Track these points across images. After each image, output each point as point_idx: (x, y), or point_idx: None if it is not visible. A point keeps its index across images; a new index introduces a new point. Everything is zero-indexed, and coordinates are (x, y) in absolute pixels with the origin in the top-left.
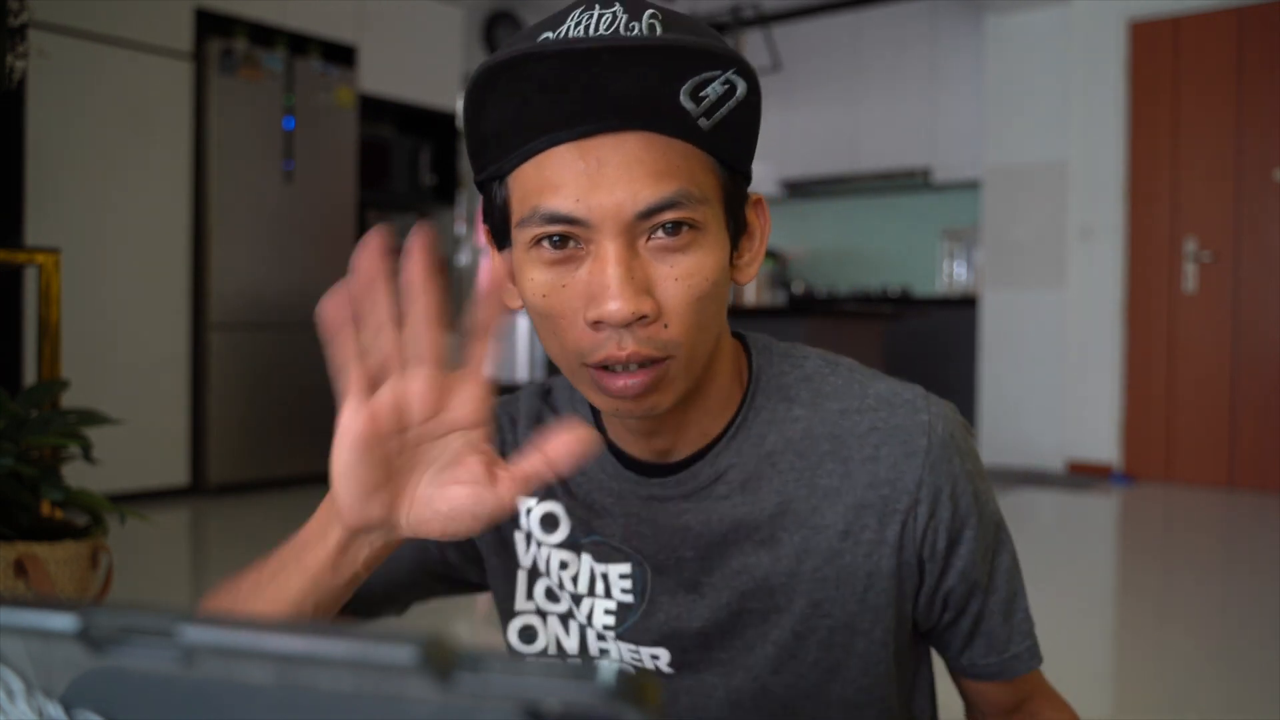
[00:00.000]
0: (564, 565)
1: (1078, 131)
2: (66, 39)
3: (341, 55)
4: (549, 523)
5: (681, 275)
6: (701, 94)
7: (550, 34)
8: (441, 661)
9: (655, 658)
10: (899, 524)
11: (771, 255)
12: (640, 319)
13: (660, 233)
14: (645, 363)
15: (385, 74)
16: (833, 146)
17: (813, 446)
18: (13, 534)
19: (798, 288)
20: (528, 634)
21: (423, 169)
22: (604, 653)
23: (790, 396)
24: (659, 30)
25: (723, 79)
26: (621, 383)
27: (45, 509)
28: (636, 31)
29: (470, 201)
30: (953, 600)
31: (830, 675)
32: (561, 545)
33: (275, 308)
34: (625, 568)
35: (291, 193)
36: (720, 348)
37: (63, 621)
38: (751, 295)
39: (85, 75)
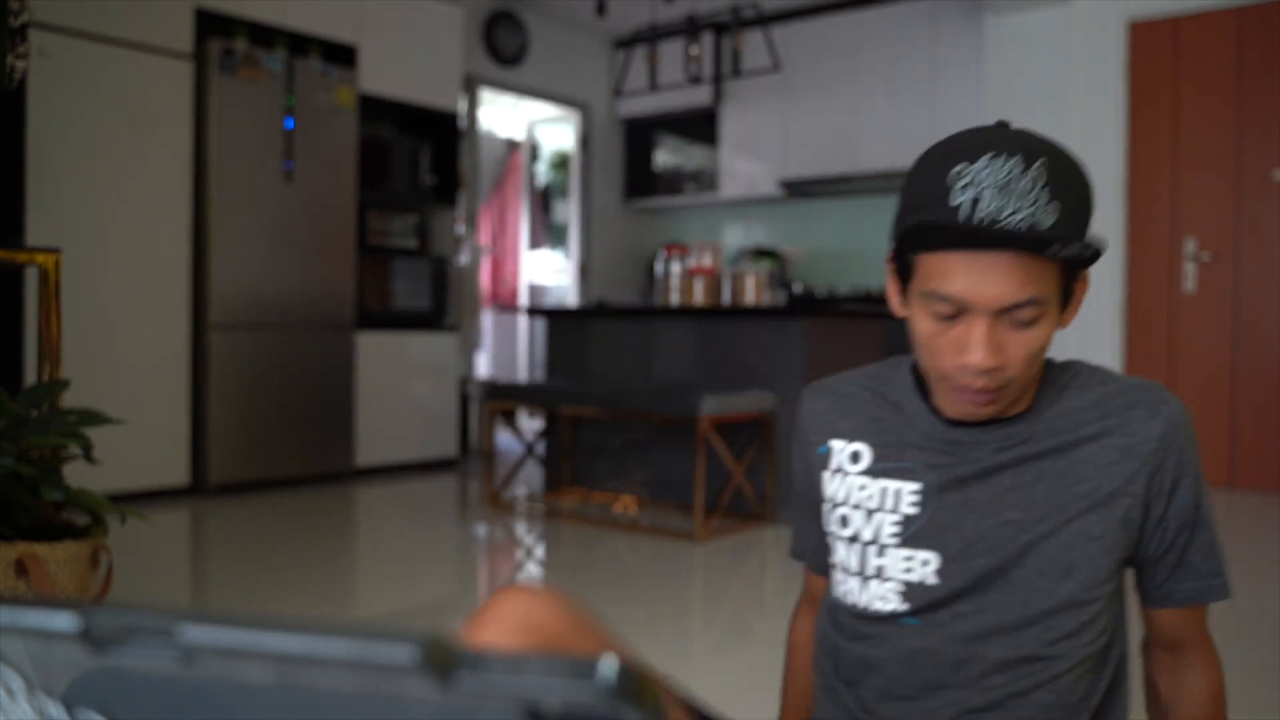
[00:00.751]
0: (862, 488)
1: (1078, 131)
2: (67, 39)
3: (342, 55)
4: (854, 457)
5: (1026, 342)
6: (1050, 254)
7: (967, 164)
8: (441, 661)
9: (926, 563)
10: (1138, 463)
11: (771, 255)
12: (991, 370)
13: (1017, 313)
14: (988, 390)
15: (385, 74)
16: (833, 147)
17: (1081, 414)
18: (13, 534)
19: (797, 288)
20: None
21: (423, 169)
22: (880, 569)
23: (1063, 386)
24: (1040, 180)
25: (1078, 248)
26: (968, 397)
27: (46, 509)
28: (1023, 182)
29: (469, 201)
30: (1168, 532)
31: (1065, 574)
32: (863, 473)
33: (275, 308)
34: (917, 485)
35: (292, 193)
36: None
37: (63, 621)
38: (751, 296)
39: (86, 75)
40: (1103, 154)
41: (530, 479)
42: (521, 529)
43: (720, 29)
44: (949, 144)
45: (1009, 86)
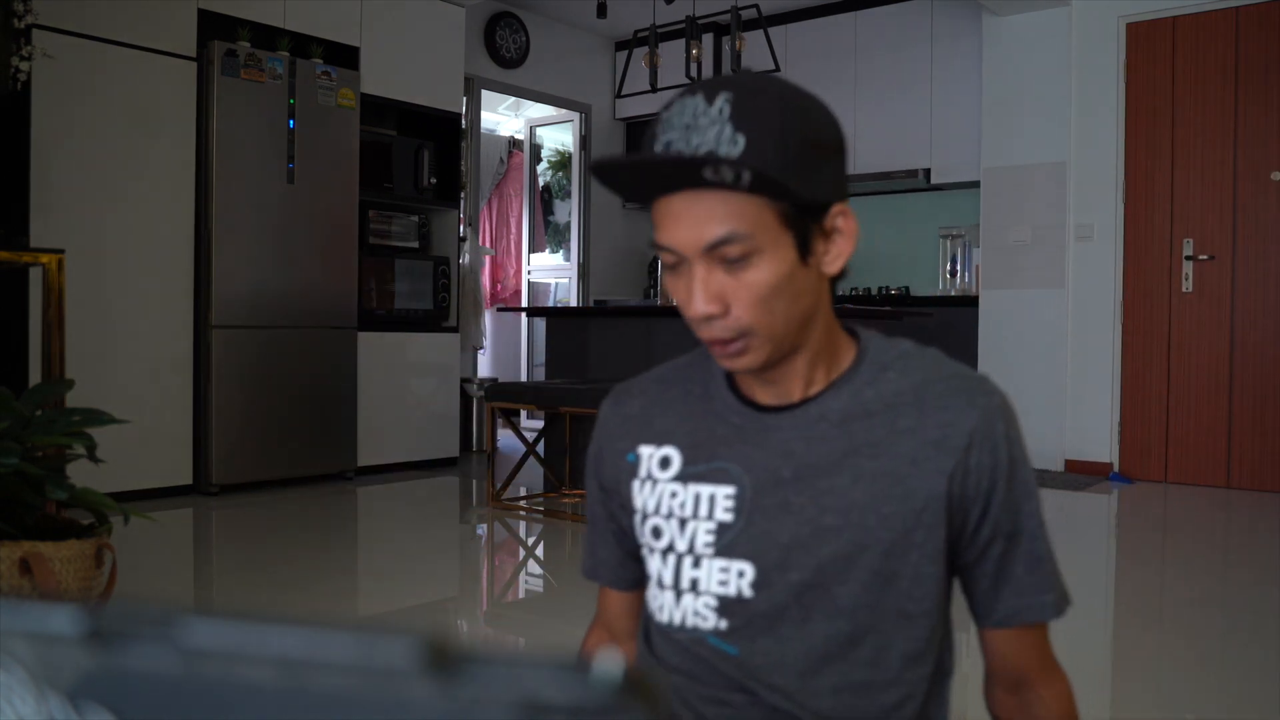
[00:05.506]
0: (674, 495)
1: (1076, 132)
2: (71, 40)
3: (344, 56)
4: (664, 463)
5: (745, 284)
6: (715, 177)
7: (665, 112)
8: (441, 661)
9: (741, 574)
10: (954, 459)
11: None
12: (711, 317)
13: (723, 250)
14: (729, 343)
15: (387, 75)
16: None
17: (899, 398)
18: (18, 533)
19: None
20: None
21: (424, 170)
22: (694, 581)
23: (887, 365)
24: (725, 113)
25: (717, 172)
26: (718, 350)
27: (50, 508)
28: (706, 118)
29: (470, 202)
30: (984, 539)
31: (887, 583)
32: (674, 479)
33: (277, 308)
34: (730, 489)
35: (294, 193)
36: (815, 324)
37: (68, 620)
38: None
39: (89, 76)
40: (1101, 154)
41: (531, 479)
42: (522, 528)
43: (720, 29)
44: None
45: (1007, 86)
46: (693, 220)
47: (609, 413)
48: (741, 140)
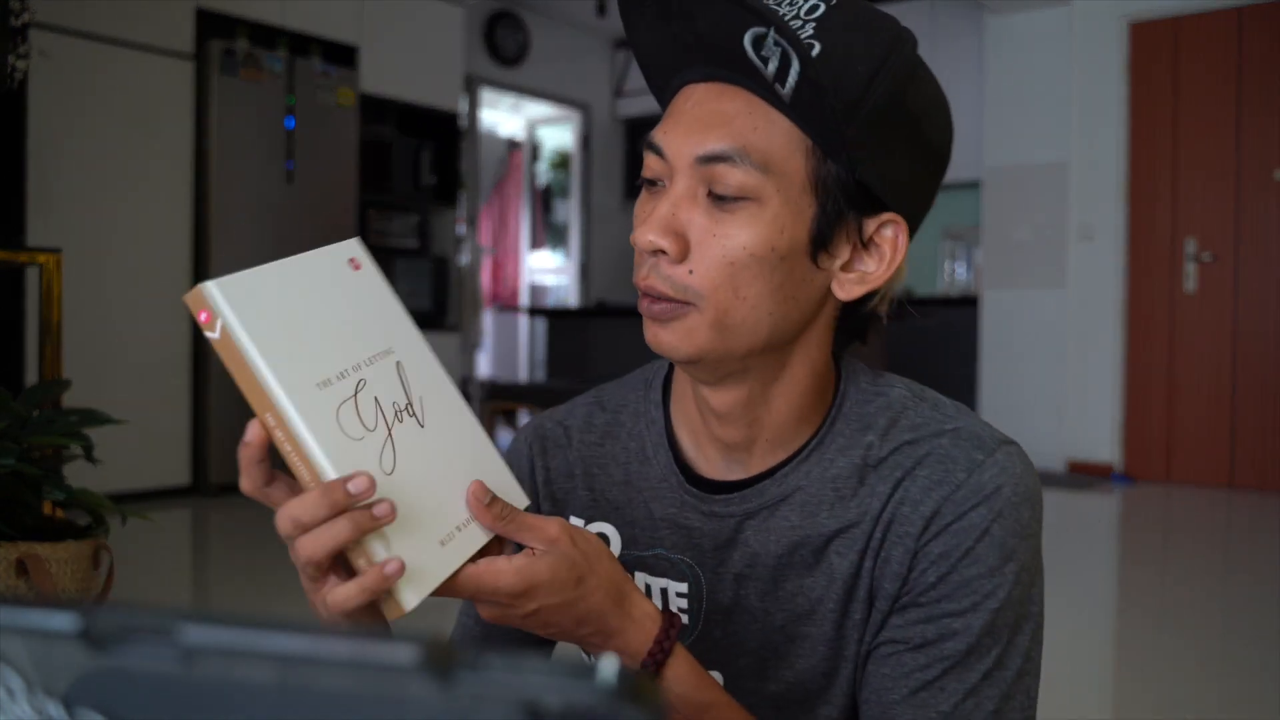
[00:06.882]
0: None
1: (1078, 132)
2: (68, 39)
3: (343, 55)
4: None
5: (721, 234)
6: (762, 52)
7: None
8: (441, 661)
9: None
10: (908, 548)
11: None
12: (660, 252)
13: (714, 172)
14: (664, 299)
15: (386, 74)
16: None
17: (871, 471)
18: (15, 534)
19: None
20: None
21: (424, 169)
22: None
23: (868, 424)
24: (818, 10)
25: (775, 40)
26: (645, 303)
27: (47, 509)
28: (792, 4)
29: (470, 201)
30: (914, 639)
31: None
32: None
33: None
34: (683, 586)
35: (292, 193)
36: (795, 357)
37: (64, 621)
38: None
39: (87, 75)
40: (1103, 154)
41: None
42: None
43: None
44: None
45: (1009, 86)
46: (699, 119)
47: (528, 458)
48: (816, 49)
